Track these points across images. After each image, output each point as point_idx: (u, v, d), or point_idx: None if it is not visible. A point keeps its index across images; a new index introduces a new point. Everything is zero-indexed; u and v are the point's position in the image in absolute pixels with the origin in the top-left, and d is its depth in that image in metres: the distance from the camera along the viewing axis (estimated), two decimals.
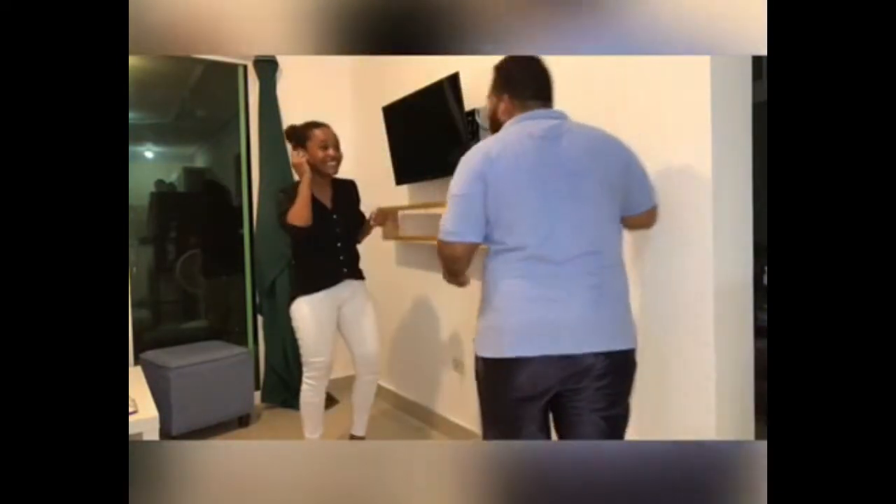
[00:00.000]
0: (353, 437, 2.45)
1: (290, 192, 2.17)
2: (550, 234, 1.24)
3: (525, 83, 1.38)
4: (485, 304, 1.34)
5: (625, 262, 1.36)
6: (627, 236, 1.74)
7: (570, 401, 1.28)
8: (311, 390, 2.25)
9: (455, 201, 1.31)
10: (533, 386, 1.25)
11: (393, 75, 2.96)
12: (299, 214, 2.08)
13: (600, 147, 1.31)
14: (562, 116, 1.36)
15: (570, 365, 1.23)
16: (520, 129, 1.32)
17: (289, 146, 2.32)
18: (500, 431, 1.35)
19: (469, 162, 1.32)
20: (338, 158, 2.23)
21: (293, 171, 2.29)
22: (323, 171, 2.21)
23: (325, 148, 2.19)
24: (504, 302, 1.28)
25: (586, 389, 1.25)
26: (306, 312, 2.19)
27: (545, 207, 1.25)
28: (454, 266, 1.39)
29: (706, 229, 1.52)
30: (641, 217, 1.40)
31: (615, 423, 1.30)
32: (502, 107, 1.40)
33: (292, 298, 2.23)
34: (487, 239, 1.32)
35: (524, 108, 1.36)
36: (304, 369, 2.24)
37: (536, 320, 1.23)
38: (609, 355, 1.24)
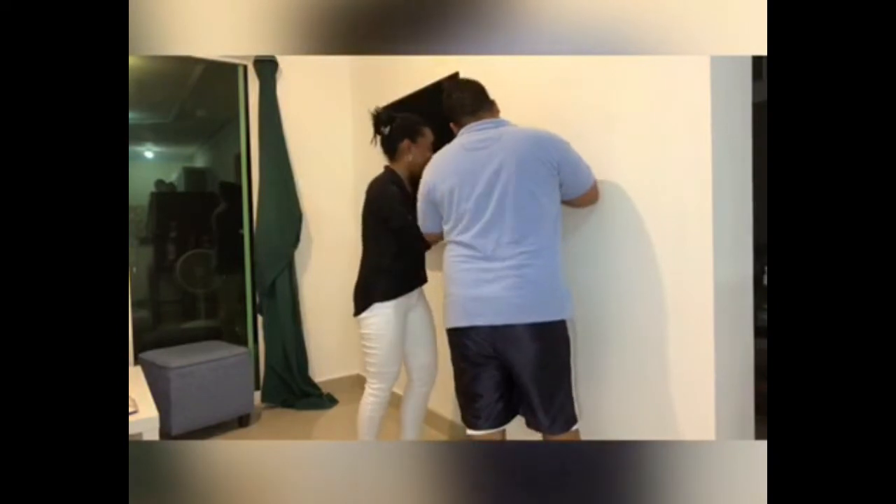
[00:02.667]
0: None
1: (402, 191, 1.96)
2: (479, 229, 1.54)
3: (455, 106, 1.68)
4: (444, 285, 1.66)
5: (555, 245, 1.56)
6: (627, 236, 1.74)
7: (512, 366, 1.53)
8: (378, 403, 2.04)
9: (418, 205, 1.77)
10: (472, 351, 1.56)
11: (393, 75, 2.96)
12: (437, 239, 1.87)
13: (527, 148, 1.52)
14: (497, 125, 1.61)
15: (498, 334, 1.50)
16: (458, 142, 1.65)
17: (373, 136, 2.08)
18: (459, 389, 1.66)
19: (425, 174, 1.73)
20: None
21: (401, 165, 2.03)
22: (420, 173, 1.99)
23: (431, 150, 2.02)
24: (450, 284, 1.61)
25: (519, 355, 1.50)
26: (387, 319, 1.97)
27: (474, 208, 1.55)
28: (428, 242, 1.93)
29: (706, 229, 1.52)
30: (583, 198, 1.66)
31: (552, 380, 1.53)
32: (454, 127, 1.73)
33: (366, 304, 1.98)
34: (443, 226, 1.68)
35: (465, 125, 1.66)
36: (372, 380, 2.04)
37: (470, 297, 1.54)
38: (534, 326, 1.48)
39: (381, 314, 1.97)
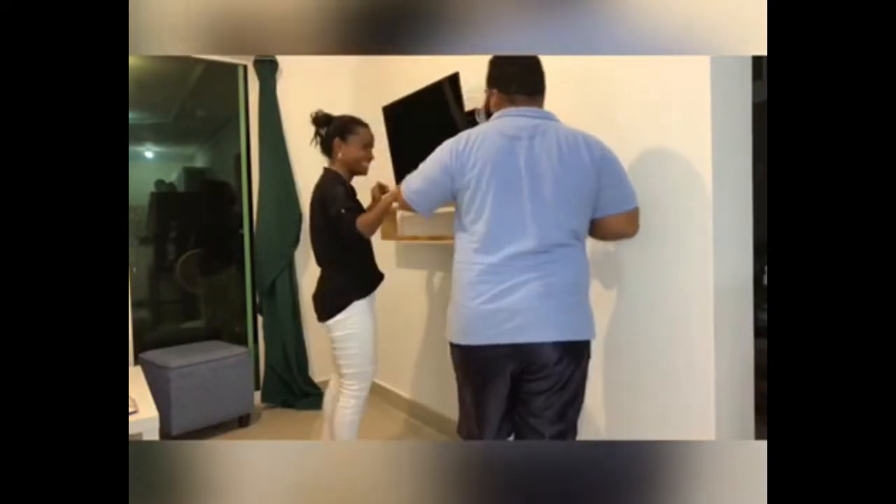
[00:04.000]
0: None
1: (346, 195, 1.96)
2: (500, 230, 1.35)
3: (511, 78, 1.43)
4: (454, 292, 1.46)
5: (583, 260, 1.42)
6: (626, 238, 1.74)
7: (527, 386, 1.39)
8: (358, 406, 2.00)
9: (423, 177, 1.48)
10: (482, 369, 1.39)
11: (393, 75, 2.96)
12: (373, 226, 1.89)
13: (569, 151, 1.35)
14: (543, 116, 1.41)
15: (516, 352, 1.34)
16: (497, 125, 1.40)
17: (313, 137, 2.13)
18: (463, 406, 1.49)
19: (442, 151, 1.45)
20: (371, 160, 2.12)
21: (337, 163, 2.05)
22: (358, 170, 2.08)
23: (366, 147, 2.07)
24: (462, 291, 1.41)
25: (538, 375, 1.36)
26: (365, 316, 1.97)
27: (499, 205, 1.35)
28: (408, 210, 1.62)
29: (706, 229, 1.52)
30: (618, 219, 1.43)
31: (563, 405, 1.39)
32: (493, 100, 1.47)
33: (342, 305, 1.94)
34: (456, 223, 1.47)
35: (511, 103, 1.43)
36: (351, 382, 1.99)
37: (484, 313, 1.35)
38: (555, 345, 1.33)
39: (360, 312, 1.95)
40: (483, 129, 1.41)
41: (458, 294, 1.41)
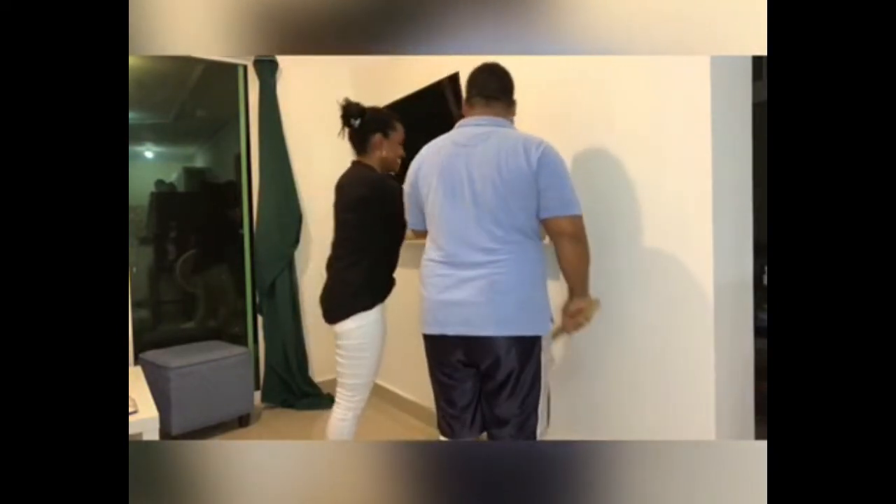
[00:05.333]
0: None
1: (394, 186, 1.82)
2: (449, 233, 1.48)
3: (471, 83, 1.57)
4: (419, 288, 1.60)
5: (533, 257, 1.47)
6: (627, 236, 1.74)
7: (482, 376, 1.50)
8: (356, 418, 1.88)
9: (404, 194, 1.67)
10: (443, 358, 1.54)
11: (393, 75, 2.96)
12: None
13: (507, 156, 1.42)
14: (495, 124, 1.50)
15: (468, 343, 1.46)
16: (453, 134, 1.54)
17: (341, 128, 1.94)
18: (435, 396, 1.64)
19: (411, 166, 1.62)
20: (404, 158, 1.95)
21: (374, 159, 1.89)
22: (393, 168, 1.94)
23: (402, 144, 1.94)
24: (423, 287, 1.56)
25: (487, 366, 1.46)
26: (377, 326, 1.83)
27: (447, 208, 1.48)
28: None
29: (706, 229, 1.52)
30: (561, 222, 1.44)
31: (511, 398, 1.47)
32: (464, 109, 1.60)
33: (356, 309, 1.79)
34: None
35: (471, 108, 1.56)
36: (352, 393, 1.86)
37: (441, 303, 1.48)
38: (501, 339, 1.42)
39: (374, 321, 1.81)
40: (440, 140, 1.56)
41: (422, 288, 1.56)
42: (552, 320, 1.52)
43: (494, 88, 1.55)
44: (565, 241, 1.44)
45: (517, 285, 1.43)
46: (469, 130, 1.50)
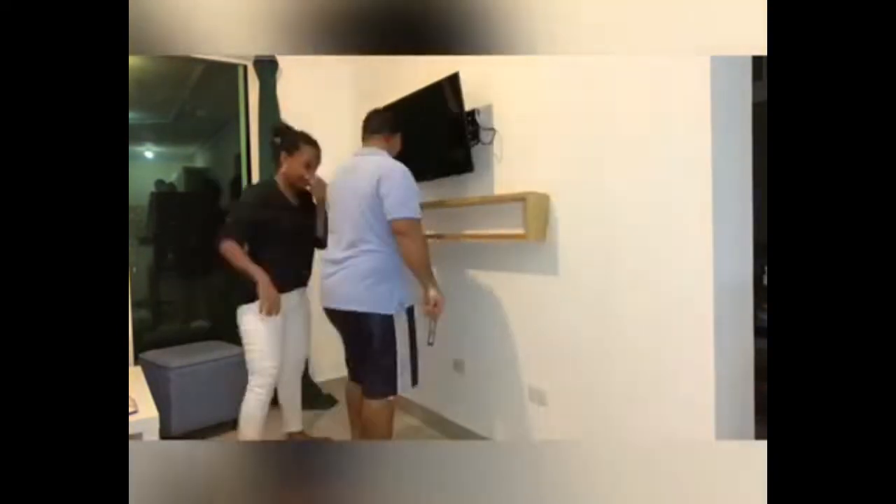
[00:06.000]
0: (291, 435, 2.45)
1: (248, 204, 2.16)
2: (332, 236, 2.02)
3: (364, 124, 2.05)
4: None
5: (384, 255, 1.88)
6: (627, 236, 1.74)
7: (351, 340, 2.06)
8: (260, 401, 2.14)
9: None
10: (331, 323, 2.07)
11: (393, 75, 2.96)
12: (230, 262, 2.06)
13: (361, 178, 1.88)
14: (371, 153, 1.97)
15: (336, 316, 1.99)
16: (345, 162, 2.05)
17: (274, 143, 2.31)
18: None
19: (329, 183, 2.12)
20: (310, 183, 2.23)
21: (282, 176, 2.22)
22: (297, 183, 2.22)
23: (307, 167, 2.19)
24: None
25: (344, 333, 2.07)
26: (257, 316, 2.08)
27: (333, 220, 2.01)
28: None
29: (706, 229, 1.52)
30: (397, 223, 1.84)
31: (367, 359, 1.94)
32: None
33: (243, 300, 2.09)
34: None
35: (363, 144, 2.04)
36: (255, 377, 2.15)
37: (323, 286, 2.01)
38: (352, 313, 1.89)
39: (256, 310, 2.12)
40: (341, 165, 2.05)
41: None
42: (402, 304, 1.90)
43: (376, 125, 2.01)
44: (402, 239, 1.86)
45: (368, 275, 1.87)
46: (355, 158, 2.00)
